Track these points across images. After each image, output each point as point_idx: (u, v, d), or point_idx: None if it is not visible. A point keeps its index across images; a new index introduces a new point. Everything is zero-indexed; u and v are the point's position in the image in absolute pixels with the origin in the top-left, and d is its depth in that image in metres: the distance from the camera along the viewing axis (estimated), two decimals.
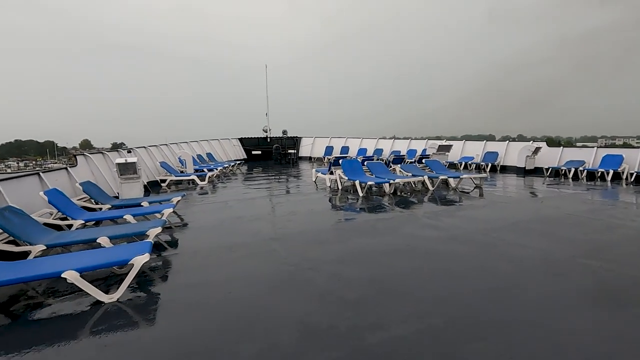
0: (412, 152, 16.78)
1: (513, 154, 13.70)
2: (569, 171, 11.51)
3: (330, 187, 9.45)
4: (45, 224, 4.94)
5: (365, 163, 9.56)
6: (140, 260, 3.24)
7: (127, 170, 7.39)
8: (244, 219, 6.16)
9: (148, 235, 4.21)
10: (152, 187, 9.86)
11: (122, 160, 7.30)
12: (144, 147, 11.45)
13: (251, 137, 20.64)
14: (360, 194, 7.99)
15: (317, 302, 3.01)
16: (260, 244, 4.65)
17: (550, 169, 12.07)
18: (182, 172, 12.38)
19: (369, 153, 18.80)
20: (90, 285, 3.07)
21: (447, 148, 14.64)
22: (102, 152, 8.64)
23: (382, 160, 13.36)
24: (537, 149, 12.77)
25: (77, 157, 7.48)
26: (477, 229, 5.16)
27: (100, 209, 6.16)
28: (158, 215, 5.41)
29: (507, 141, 14.68)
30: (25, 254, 3.84)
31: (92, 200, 6.34)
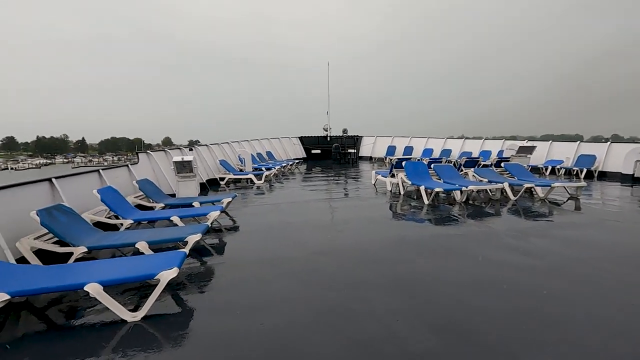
0: (485, 154, 15.05)
1: (616, 158, 11.42)
2: None
3: (391, 191, 8.61)
4: (98, 223, 4.95)
5: (432, 166, 8.52)
6: (167, 275, 2.85)
7: (183, 168, 7.38)
8: (293, 225, 5.67)
9: (187, 242, 3.89)
10: (211, 186, 9.93)
11: (178, 159, 7.30)
12: (206, 145, 11.67)
13: (311, 136, 20.42)
14: (426, 202, 7.04)
15: (367, 356, 2.31)
16: (306, 258, 4.07)
17: None
18: (241, 170, 12.44)
19: (436, 154, 17.36)
20: (113, 301, 2.76)
21: (530, 150, 12.75)
22: (164, 150, 8.84)
23: (451, 163, 12.06)
24: None
25: (139, 154, 7.67)
26: (587, 259, 3.97)
27: (154, 207, 6.14)
28: (208, 216, 5.14)
29: (609, 142, 12.32)
30: (69, 255, 3.74)
31: (149, 199, 6.35)
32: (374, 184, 9.66)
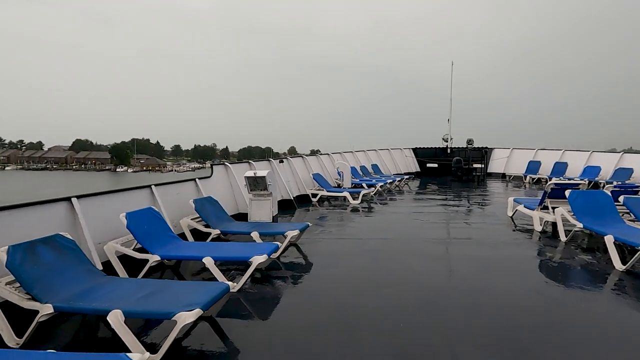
0: None
1: None
2: None
3: (541, 231, 5.70)
4: (125, 257, 3.93)
5: (620, 198, 5.27)
6: None
7: (257, 185, 6.17)
8: (376, 284, 3.70)
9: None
10: (300, 203, 8.63)
11: (250, 174, 6.12)
12: (301, 156, 10.58)
13: (427, 147, 17.65)
14: (618, 265, 4.05)
15: None
16: None
17: None
18: (338, 185, 10.92)
19: (604, 175, 12.47)
20: None
21: None
22: (248, 162, 7.93)
23: None
24: None
25: (214, 167, 6.80)
26: None
27: (210, 234, 5.00)
28: (251, 260, 3.62)
29: None
30: (35, 313, 2.65)
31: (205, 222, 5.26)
32: (511, 217, 6.77)
